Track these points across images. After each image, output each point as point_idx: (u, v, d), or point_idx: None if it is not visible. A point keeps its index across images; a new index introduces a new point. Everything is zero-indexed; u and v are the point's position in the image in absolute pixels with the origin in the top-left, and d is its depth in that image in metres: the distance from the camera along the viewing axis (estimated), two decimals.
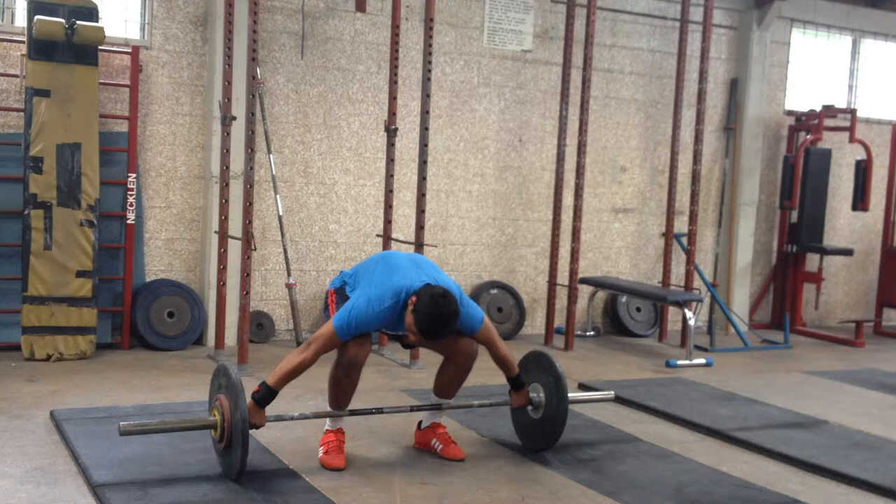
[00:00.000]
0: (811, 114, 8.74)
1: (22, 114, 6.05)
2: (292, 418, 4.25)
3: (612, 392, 5.10)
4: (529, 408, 4.50)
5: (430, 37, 6.26)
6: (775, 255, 9.08)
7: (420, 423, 4.48)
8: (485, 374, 6.22)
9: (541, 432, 4.50)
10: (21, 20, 6.18)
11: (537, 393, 4.48)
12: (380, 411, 4.42)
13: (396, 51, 6.39)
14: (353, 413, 4.29)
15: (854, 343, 8.27)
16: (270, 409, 4.01)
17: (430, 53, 6.26)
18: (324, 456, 4.14)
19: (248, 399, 3.91)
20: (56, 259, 5.99)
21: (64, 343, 6.00)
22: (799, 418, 5.40)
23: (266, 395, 3.95)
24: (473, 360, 4.33)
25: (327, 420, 4.26)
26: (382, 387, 5.67)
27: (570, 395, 4.47)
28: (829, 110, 8.65)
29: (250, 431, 3.86)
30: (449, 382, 4.39)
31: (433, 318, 3.87)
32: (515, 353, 6.52)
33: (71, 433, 4.30)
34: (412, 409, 4.48)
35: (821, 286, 8.89)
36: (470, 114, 7.62)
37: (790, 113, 8.97)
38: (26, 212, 5.95)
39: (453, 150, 7.55)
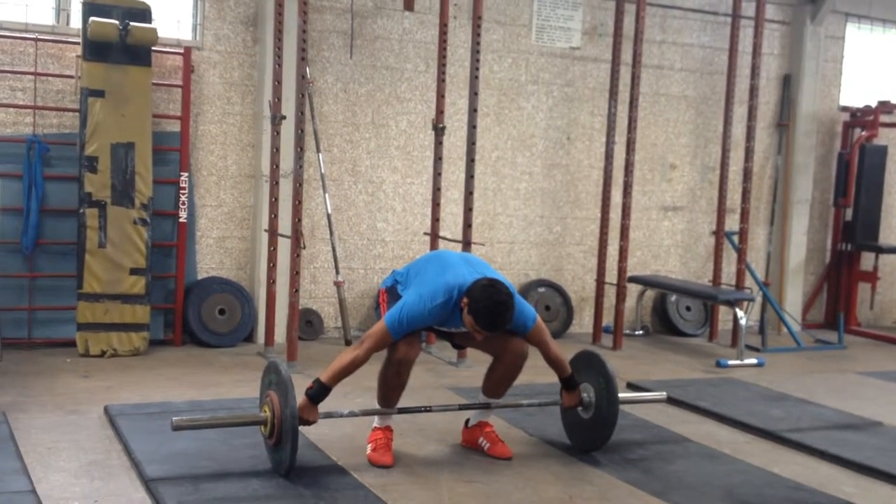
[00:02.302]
0: (866, 109, 8.58)
1: (77, 114, 6.15)
2: (342, 415, 4.27)
3: (665, 393, 5.04)
4: (580, 408, 4.48)
5: (478, 34, 6.26)
6: (829, 253, 8.93)
7: (467, 421, 4.48)
8: (532, 373, 6.20)
9: (590, 433, 4.47)
10: (76, 22, 6.29)
11: (588, 393, 4.45)
12: (428, 409, 4.44)
13: (444, 49, 6.40)
14: (402, 411, 4.31)
15: None
16: (321, 407, 4.04)
17: (477, 51, 6.25)
18: (371, 453, 4.16)
19: (303, 396, 3.94)
20: (110, 257, 6.09)
21: (118, 339, 6.10)
22: (852, 420, 5.31)
23: (320, 391, 3.98)
24: (524, 361, 4.31)
25: (375, 417, 4.28)
26: (430, 385, 5.68)
27: (620, 394, 4.44)
28: (885, 106, 8.48)
29: (300, 428, 3.89)
30: (498, 382, 4.38)
31: (491, 308, 3.89)
32: (564, 351, 6.49)
33: (124, 428, 4.38)
34: (460, 407, 4.49)
35: (876, 285, 8.73)
36: (518, 112, 7.60)
37: (845, 109, 8.81)
38: (81, 210, 6.05)
39: (501, 148, 7.54)
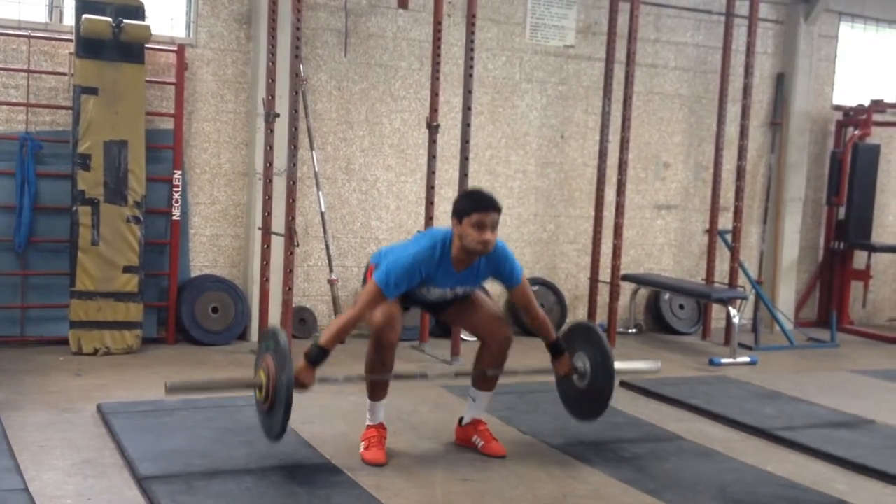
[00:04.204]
0: (859, 108, 8.60)
1: (70, 111, 6.14)
2: (337, 381, 4.36)
3: (659, 363, 5.06)
4: (575, 377, 4.46)
5: (473, 33, 6.26)
6: (822, 251, 8.95)
7: (461, 419, 4.48)
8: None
9: (587, 403, 4.48)
10: (69, 19, 6.27)
11: (582, 362, 4.43)
12: (424, 376, 4.61)
13: (438, 47, 6.40)
14: (398, 377, 4.32)
15: None
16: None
17: (472, 49, 6.26)
18: (364, 452, 4.16)
19: (300, 359, 3.96)
20: (103, 255, 6.07)
21: (111, 337, 6.09)
22: (845, 418, 5.33)
23: (319, 354, 3.99)
24: (508, 347, 4.33)
25: (368, 415, 4.27)
26: (424, 383, 5.66)
27: (616, 364, 4.42)
28: (878, 105, 8.50)
29: (297, 394, 3.87)
30: (485, 372, 4.38)
31: (474, 191, 4.25)
32: None
33: (117, 426, 4.37)
34: (456, 374, 4.67)
35: (868, 284, 8.75)
36: (512, 110, 7.60)
37: (838, 108, 8.83)
38: (74, 208, 6.04)
39: (495, 146, 7.54)
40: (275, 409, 3.89)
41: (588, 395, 4.45)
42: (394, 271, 4.02)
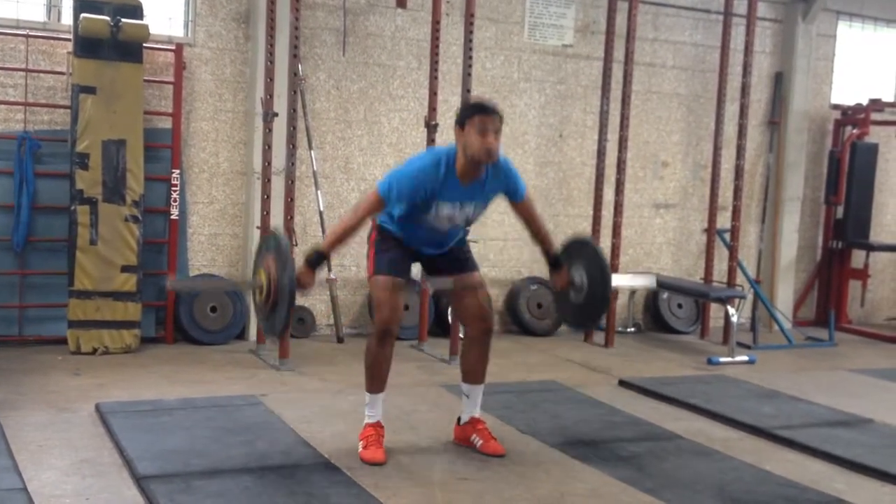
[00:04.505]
0: (857, 108, 8.60)
1: (68, 111, 6.13)
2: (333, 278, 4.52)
3: (655, 276, 5.05)
4: (571, 291, 4.47)
5: (471, 32, 6.26)
6: (820, 251, 8.95)
7: (459, 418, 4.48)
8: (525, 370, 6.22)
9: (583, 312, 4.54)
10: (67, 18, 6.26)
11: (580, 276, 4.44)
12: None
13: (437, 46, 6.39)
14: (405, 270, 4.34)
15: None
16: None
17: (470, 49, 6.26)
18: (363, 451, 4.16)
19: (301, 263, 4.00)
20: (101, 254, 6.07)
21: (109, 337, 6.08)
22: (844, 417, 5.33)
23: (317, 258, 4.03)
24: (489, 330, 4.34)
25: (366, 411, 4.26)
26: (422, 382, 5.68)
27: (613, 275, 4.48)
28: (876, 104, 8.50)
29: (299, 294, 3.91)
30: (474, 363, 4.38)
31: (477, 99, 4.30)
32: (555, 349, 6.51)
33: (116, 426, 4.37)
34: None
35: (867, 283, 8.75)
36: (510, 109, 7.59)
37: (836, 107, 8.83)
38: (72, 207, 6.04)
39: None
40: (277, 307, 3.90)
41: (585, 305, 4.48)
42: (397, 182, 4.04)
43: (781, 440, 4.81)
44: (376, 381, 4.24)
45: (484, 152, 3.97)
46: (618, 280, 4.58)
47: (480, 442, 4.35)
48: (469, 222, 4.29)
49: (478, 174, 4.08)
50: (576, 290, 4.47)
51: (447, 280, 4.38)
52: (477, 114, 3.99)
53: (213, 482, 3.76)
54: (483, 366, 4.40)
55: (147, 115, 6.34)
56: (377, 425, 4.25)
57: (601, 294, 4.46)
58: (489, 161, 4.03)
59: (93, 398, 4.92)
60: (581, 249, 4.58)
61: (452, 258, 4.36)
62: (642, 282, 5.06)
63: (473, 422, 4.41)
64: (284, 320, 3.94)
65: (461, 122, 4.03)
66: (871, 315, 9.26)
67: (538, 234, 4.43)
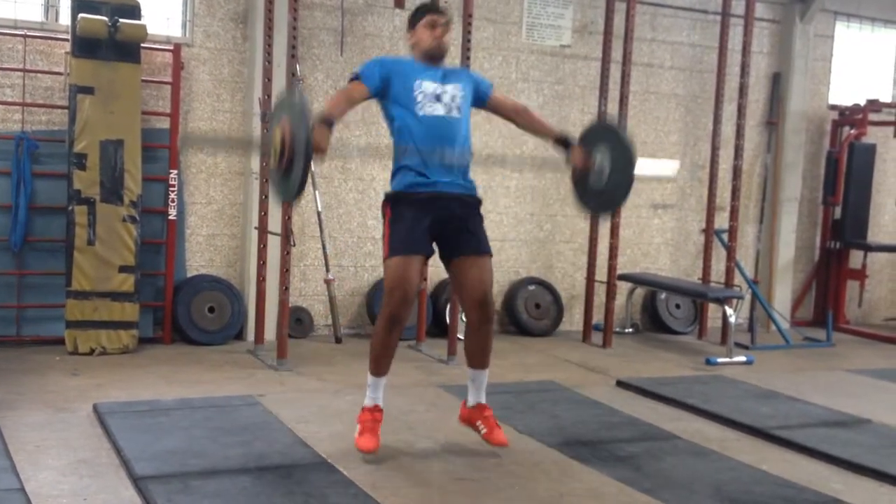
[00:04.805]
0: (855, 108, 8.61)
1: (66, 111, 6.13)
2: (352, 154, 4.77)
3: (678, 163, 4.98)
4: (591, 175, 4.40)
5: (469, 32, 6.26)
6: (818, 251, 8.96)
7: (466, 400, 4.42)
8: (522, 371, 6.22)
9: (603, 196, 4.48)
10: (65, 18, 6.26)
11: (601, 156, 4.34)
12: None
13: None
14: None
15: None
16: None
17: (468, 49, 6.26)
18: (358, 437, 4.14)
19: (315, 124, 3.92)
20: (99, 254, 6.07)
21: (107, 337, 6.08)
22: (841, 417, 5.33)
23: (327, 119, 4.00)
24: (490, 319, 4.24)
25: (367, 392, 4.21)
26: (420, 382, 5.69)
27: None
28: (874, 104, 8.51)
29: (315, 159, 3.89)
30: (476, 349, 4.31)
31: (423, 2, 4.42)
32: (553, 349, 6.51)
33: (114, 426, 4.36)
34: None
35: (864, 283, 8.76)
36: None
37: (834, 107, 8.84)
38: (70, 208, 6.03)
39: (491, 145, 7.53)
40: (293, 166, 3.81)
41: (605, 189, 4.38)
42: (370, 62, 4.30)
43: (779, 440, 4.81)
44: (381, 365, 4.20)
45: (435, 45, 4.22)
46: (638, 169, 4.45)
47: (485, 430, 4.30)
48: (460, 107, 4.23)
49: (437, 66, 4.27)
50: (595, 174, 4.37)
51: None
52: (425, 13, 4.24)
53: (211, 482, 3.76)
54: (484, 352, 4.33)
55: (145, 115, 6.34)
56: (375, 409, 4.20)
57: (624, 179, 4.35)
58: (440, 53, 4.25)
59: (90, 398, 4.91)
60: (604, 133, 4.51)
61: (471, 229, 4.26)
62: (666, 171, 4.98)
63: (480, 408, 4.35)
64: (301, 177, 3.80)
65: (412, 24, 4.27)
66: (869, 315, 9.27)
67: (531, 121, 4.47)
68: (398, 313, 4.08)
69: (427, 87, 4.18)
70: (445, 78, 4.25)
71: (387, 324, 4.11)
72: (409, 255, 4.11)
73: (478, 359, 4.34)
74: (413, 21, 4.29)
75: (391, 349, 4.19)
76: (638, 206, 8.09)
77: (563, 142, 4.44)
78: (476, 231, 4.31)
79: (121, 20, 5.97)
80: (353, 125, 7.06)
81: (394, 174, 4.27)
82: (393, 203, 4.24)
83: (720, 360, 6.86)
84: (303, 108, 3.82)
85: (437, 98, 4.18)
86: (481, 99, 4.41)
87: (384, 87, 4.21)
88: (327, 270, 6.62)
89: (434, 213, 4.17)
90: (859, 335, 8.48)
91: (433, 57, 4.24)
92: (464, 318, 4.48)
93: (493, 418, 4.36)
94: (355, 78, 4.23)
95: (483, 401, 4.38)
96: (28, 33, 6.16)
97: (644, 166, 4.98)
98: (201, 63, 6.66)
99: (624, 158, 4.34)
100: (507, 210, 7.62)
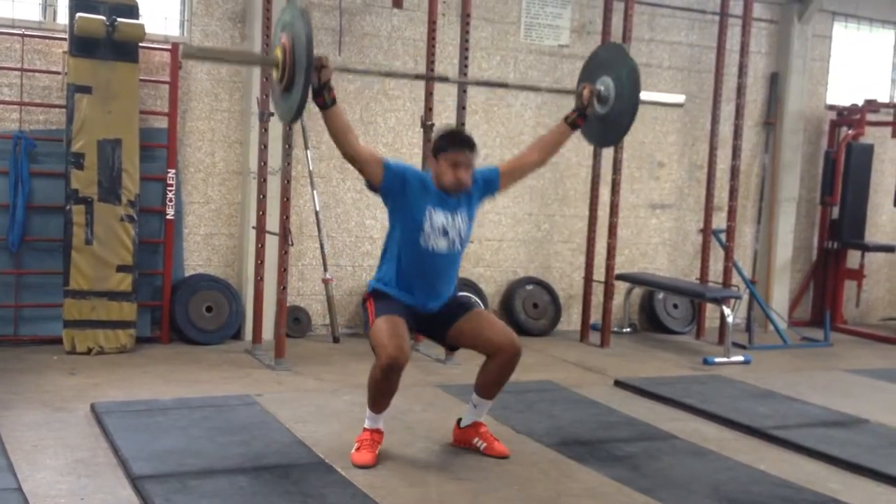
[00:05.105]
0: (853, 108, 8.62)
1: (64, 110, 6.12)
2: (357, 70, 4.69)
3: (683, 96, 5.08)
4: (597, 105, 4.51)
5: (467, 32, 6.26)
6: (816, 251, 8.97)
7: (459, 421, 4.45)
8: (521, 370, 6.21)
9: (603, 127, 4.59)
10: (63, 17, 6.26)
11: (606, 86, 4.47)
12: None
13: (433, 46, 6.39)
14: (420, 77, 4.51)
15: (895, 341, 8.15)
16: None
17: (466, 49, 6.26)
18: (354, 452, 4.12)
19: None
20: (97, 254, 6.06)
21: (104, 337, 6.07)
22: (839, 417, 5.34)
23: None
24: (517, 359, 4.23)
25: (367, 418, 4.21)
26: (418, 382, 5.67)
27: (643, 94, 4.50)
28: (872, 105, 8.52)
29: (316, 75, 3.80)
30: (492, 382, 4.28)
31: (451, 132, 4.27)
32: (551, 349, 6.50)
33: (111, 426, 4.36)
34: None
35: (862, 283, 8.77)
36: (506, 109, 7.60)
37: (831, 107, 8.85)
38: (68, 207, 6.03)
39: (489, 145, 7.53)
40: (294, 81, 3.77)
41: (609, 117, 4.52)
42: (394, 162, 4.17)
43: (777, 440, 4.82)
44: (380, 405, 4.17)
45: (455, 185, 4.12)
46: (646, 96, 4.56)
47: (484, 445, 4.33)
48: (462, 240, 4.23)
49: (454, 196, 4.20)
50: (601, 102, 4.48)
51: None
52: (450, 148, 4.10)
53: (209, 482, 3.76)
54: (501, 386, 4.32)
55: (143, 114, 6.34)
56: (375, 431, 4.19)
57: (627, 106, 4.46)
58: (459, 191, 4.16)
59: (88, 398, 4.91)
60: (611, 58, 4.58)
61: (451, 308, 4.28)
62: (673, 99, 5.05)
63: (475, 425, 4.38)
64: (303, 91, 3.73)
65: (435, 151, 4.15)
66: (867, 315, 9.28)
67: (548, 143, 4.57)
68: (395, 361, 3.95)
69: (437, 219, 4.13)
70: (458, 207, 4.19)
71: (383, 373, 4.00)
72: (395, 315, 4.08)
73: (492, 390, 4.32)
74: (437, 150, 4.16)
75: (390, 394, 4.13)
76: (636, 206, 8.10)
77: (573, 116, 4.57)
78: (459, 301, 4.36)
79: (119, 19, 5.96)
80: (351, 124, 7.04)
81: (380, 267, 4.25)
82: (375, 293, 4.22)
83: (718, 359, 6.87)
84: (303, 22, 3.75)
85: (444, 233, 4.14)
86: (493, 192, 4.40)
87: (397, 188, 4.10)
88: (325, 270, 6.61)
89: (416, 314, 4.21)
90: (857, 335, 8.49)
91: (451, 193, 4.16)
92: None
93: (489, 433, 4.37)
94: (380, 155, 4.15)
95: (479, 419, 4.39)
96: (26, 32, 6.16)
97: (650, 96, 5.07)
98: (199, 62, 6.65)
99: (629, 81, 4.45)
100: (506, 210, 7.62)
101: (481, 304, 4.39)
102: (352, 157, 4.11)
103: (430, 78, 6.34)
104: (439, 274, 4.22)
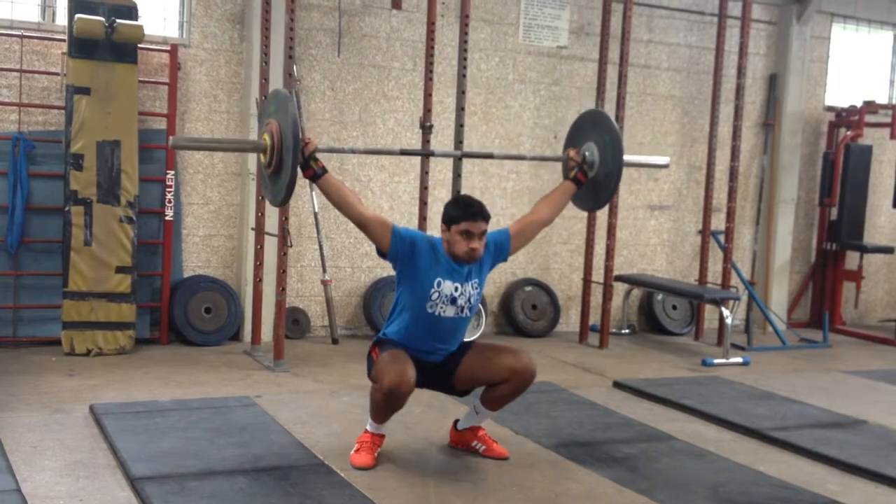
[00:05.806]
0: (851, 109, 8.62)
1: (63, 111, 6.12)
2: (343, 151, 4.73)
3: (668, 158, 5.14)
4: (584, 167, 4.51)
5: (466, 33, 6.26)
6: (814, 252, 8.97)
7: (456, 423, 4.45)
8: None
9: (592, 192, 4.57)
10: (62, 18, 6.26)
11: (590, 152, 4.50)
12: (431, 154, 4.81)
13: (432, 47, 6.39)
14: (405, 153, 4.47)
15: (894, 342, 8.16)
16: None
17: (465, 50, 6.26)
18: (353, 454, 4.12)
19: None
20: (96, 255, 6.06)
21: (103, 338, 6.07)
22: (837, 418, 5.34)
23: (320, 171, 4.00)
24: (531, 380, 4.21)
25: (369, 422, 4.20)
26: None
27: (625, 157, 4.50)
28: (870, 106, 8.52)
29: (302, 152, 3.85)
30: (501, 398, 4.25)
31: (464, 201, 4.11)
32: (549, 350, 6.50)
33: (110, 427, 4.36)
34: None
35: (860, 284, 8.77)
36: (505, 110, 7.60)
37: (830, 109, 8.85)
38: (67, 208, 6.03)
39: (488, 146, 7.54)
40: (282, 164, 3.83)
41: (594, 182, 4.53)
42: (404, 230, 4.09)
43: (775, 441, 4.82)
44: (381, 418, 4.15)
45: (468, 257, 4.05)
46: (630, 158, 4.60)
47: (483, 447, 4.33)
48: (472, 307, 4.18)
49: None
50: (588, 166, 4.51)
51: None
52: (463, 220, 4.02)
53: (208, 483, 3.76)
54: (507, 403, 4.30)
55: (142, 115, 6.34)
56: (375, 435, 4.18)
57: (613, 169, 4.45)
58: (470, 262, 4.09)
59: (87, 399, 4.91)
60: (593, 125, 4.60)
61: (453, 353, 4.25)
62: (657, 161, 5.10)
63: (474, 429, 4.38)
64: (291, 171, 3.77)
65: (447, 223, 4.06)
66: (865, 316, 9.28)
67: (552, 202, 4.45)
68: (396, 388, 3.90)
69: (446, 288, 4.08)
70: (469, 276, 4.14)
71: (384, 398, 3.98)
72: (399, 350, 4.06)
73: (499, 405, 4.31)
74: (449, 220, 4.07)
75: (393, 412, 4.10)
76: (635, 208, 8.10)
77: (576, 169, 4.52)
78: (461, 348, 4.30)
79: (117, 21, 5.96)
80: (350, 125, 7.06)
81: (390, 322, 4.22)
82: (380, 344, 4.18)
83: (717, 361, 6.87)
84: (287, 104, 3.82)
85: (453, 301, 4.10)
86: (504, 257, 4.35)
87: (405, 255, 4.07)
88: (324, 271, 6.62)
89: (420, 363, 4.13)
90: (855, 336, 8.50)
91: (463, 264, 4.10)
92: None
93: (488, 436, 4.37)
94: (390, 223, 4.12)
95: (478, 423, 4.39)
96: (25, 34, 6.16)
97: (634, 159, 5.11)
98: (198, 64, 6.66)
99: (613, 146, 4.46)
100: (504, 211, 7.62)
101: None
102: (357, 222, 4.10)
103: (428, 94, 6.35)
104: (445, 337, 4.19)
